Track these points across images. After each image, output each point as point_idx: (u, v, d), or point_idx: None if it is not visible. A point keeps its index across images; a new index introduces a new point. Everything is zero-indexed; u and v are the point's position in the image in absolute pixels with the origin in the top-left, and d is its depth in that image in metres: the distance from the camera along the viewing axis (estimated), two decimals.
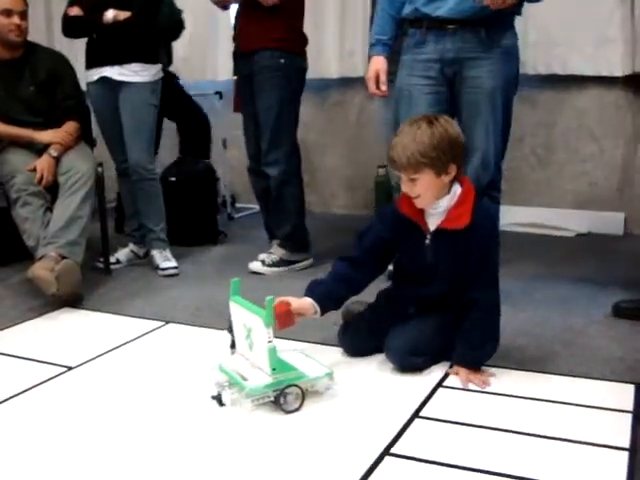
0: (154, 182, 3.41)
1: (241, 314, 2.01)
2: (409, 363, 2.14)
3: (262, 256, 3.41)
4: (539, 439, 1.73)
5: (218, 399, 1.95)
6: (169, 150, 4.56)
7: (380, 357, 2.22)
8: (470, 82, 2.65)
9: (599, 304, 2.72)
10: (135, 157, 3.33)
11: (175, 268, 3.38)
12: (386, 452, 1.68)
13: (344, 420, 1.85)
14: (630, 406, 1.88)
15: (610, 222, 3.90)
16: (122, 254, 3.59)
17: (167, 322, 2.69)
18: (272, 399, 1.90)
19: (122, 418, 1.90)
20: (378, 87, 2.78)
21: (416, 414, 1.87)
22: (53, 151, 3.14)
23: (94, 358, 2.34)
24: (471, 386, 2.03)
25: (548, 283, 3.01)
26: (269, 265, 3.38)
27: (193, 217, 3.99)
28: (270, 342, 1.89)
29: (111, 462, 1.66)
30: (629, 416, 1.83)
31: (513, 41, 2.69)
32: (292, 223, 3.41)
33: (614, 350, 2.29)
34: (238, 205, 4.78)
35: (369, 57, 2.83)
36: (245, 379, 1.94)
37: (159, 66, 3.39)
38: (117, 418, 1.90)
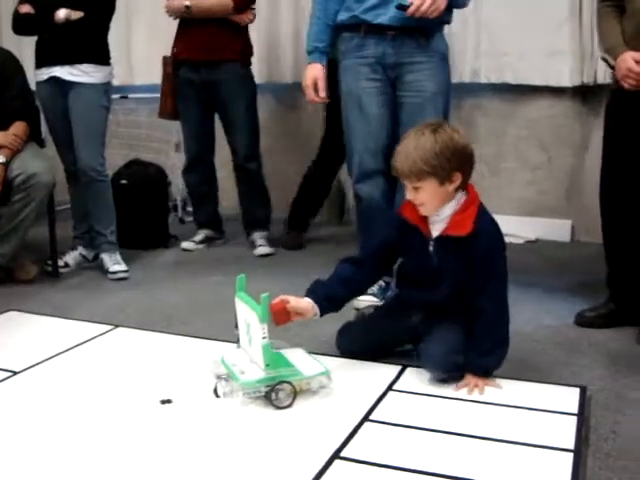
0: (104, 184, 3.36)
1: (243, 310, 2.04)
2: (450, 364, 2.06)
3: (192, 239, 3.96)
4: (487, 442, 1.75)
5: (214, 391, 1.99)
6: (120, 152, 4.53)
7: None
8: (411, 86, 2.69)
9: (547, 310, 2.76)
10: (85, 159, 3.27)
11: (125, 272, 3.33)
12: (336, 455, 1.68)
13: (297, 422, 1.85)
14: (575, 409, 1.91)
15: (558, 229, 3.97)
16: (71, 257, 3.53)
17: (116, 326, 2.64)
18: (263, 394, 1.92)
19: (68, 424, 1.86)
20: (317, 94, 2.80)
21: (366, 417, 1.88)
22: (1, 157, 3.06)
23: (40, 362, 2.29)
24: (428, 391, 2.04)
25: None
26: (198, 242, 3.94)
27: (144, 220, 3.93)
28: (264, 338, 1.91)
29: (56, 467, 1.64)
30: (574, 419, 1.86)
31: (446, 48, 2.76)
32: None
33: (560, 355, 2.33)
34: (189, 209, 4.74)
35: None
36: (243, 373, 1.96)
37: (110, 67, 3.35)
38: (63, 424, 1.86)
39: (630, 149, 2.48)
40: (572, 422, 1.84)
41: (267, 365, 1.93)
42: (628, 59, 2.34)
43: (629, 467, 1.63)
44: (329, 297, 2.18)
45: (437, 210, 2.09)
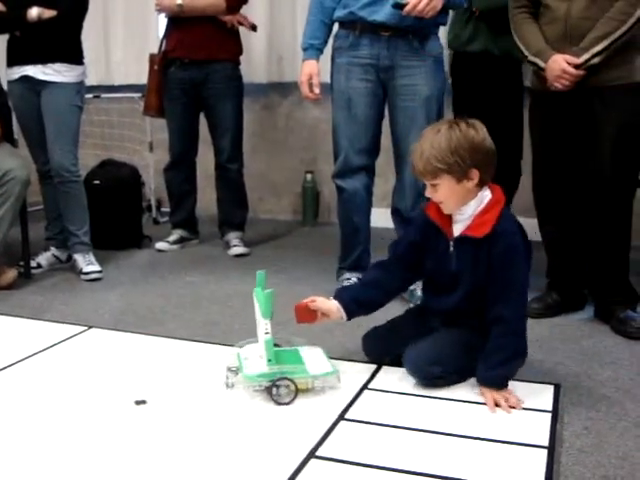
0: (77, 184, 3.33)
1: (256, 306, 2.05)
2: (426, 373, 2.04)
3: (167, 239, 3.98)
4: (462, 439, 1.76)
5: (226, 382, 2.06)
6: (93, 152, 4.50)
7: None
8: (405, 90, 2.71)
9: None
10: (57, 159, 3.25)
11: (98, 272, 3.31)
12: (311, 454, 1.68)
13: (272, 422, 1.85)
14: (549, 406, 1.93)
15: (532, 228, 3.99)
16: (43, 258, 3.50)
17: (90, 327, 2.63)
18: (263, 388, 1.96)
19: (42, 426, 1.84)
20: (311, 90, 2.81)
21: (341, 416, 1.88)
22: None
23: (13, 364, 2.27)
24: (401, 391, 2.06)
25: None
26: (172, 243, 3.93)
27: (117, 221, 3.92)
28: (267, 333, 1.93)
29: (32, 471, 1.62)
30: (548, 415, 1.87)
31: (441, 51, 2.77)
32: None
33: (534, 352, 2.34)
34: (163, 209, 4.72)
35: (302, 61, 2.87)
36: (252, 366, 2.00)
37: (83, 67, 3.33)
38: (37, 426, 1.84)
39: (558, 145, 2.60)
40: (546, 419, 1.86)
41: (269, 360, 1.96)
42: (561, 61, 2.44)
43: (602, 463, 1.65)
44: (355, 299, 2.15)
45: (459, 208, 2.03)
